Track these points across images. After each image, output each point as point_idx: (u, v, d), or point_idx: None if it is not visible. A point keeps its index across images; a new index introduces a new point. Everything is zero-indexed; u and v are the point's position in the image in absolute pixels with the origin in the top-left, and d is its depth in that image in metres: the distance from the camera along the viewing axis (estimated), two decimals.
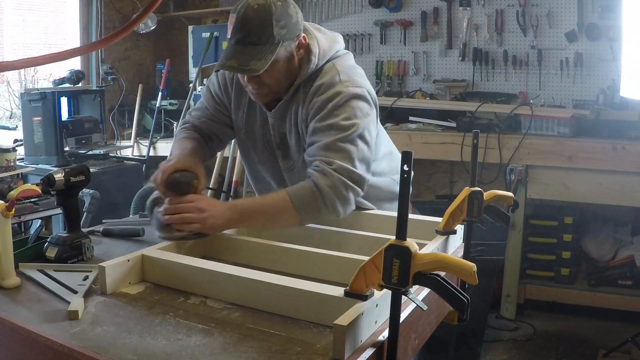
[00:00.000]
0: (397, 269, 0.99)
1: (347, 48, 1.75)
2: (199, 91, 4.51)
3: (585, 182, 3.35)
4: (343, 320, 1.00)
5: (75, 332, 1.09)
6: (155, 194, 1.56)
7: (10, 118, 4.95)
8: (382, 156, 1.77)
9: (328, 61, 1.63)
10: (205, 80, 4.62)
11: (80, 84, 3.93)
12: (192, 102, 4.49)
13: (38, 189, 2.22)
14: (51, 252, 1.47)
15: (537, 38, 3.83)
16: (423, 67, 4.18)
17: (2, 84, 4.92)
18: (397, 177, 0.99)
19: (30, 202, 2.50)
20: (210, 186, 3.72)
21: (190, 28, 4.75)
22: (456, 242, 1.60)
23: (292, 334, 1.10)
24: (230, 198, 3.71)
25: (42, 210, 2.55)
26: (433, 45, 4.14)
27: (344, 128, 1.52)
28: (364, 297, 1.04)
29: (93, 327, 1.11)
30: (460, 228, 1.55)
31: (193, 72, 4.67)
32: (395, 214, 1.01)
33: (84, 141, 3.72)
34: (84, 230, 1.60)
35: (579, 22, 3.70)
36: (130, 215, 2.94)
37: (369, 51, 4.34)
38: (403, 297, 1.01)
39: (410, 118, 3.87)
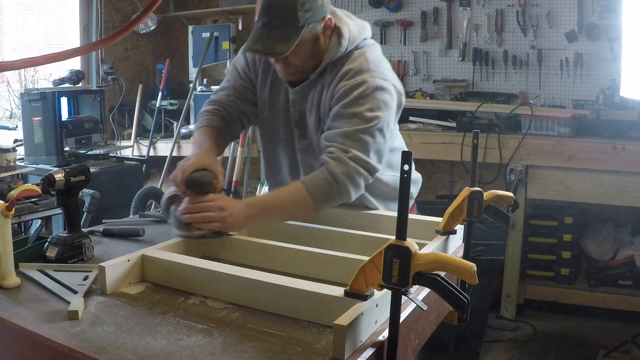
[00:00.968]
0: (397, 269, 0.99)
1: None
2: (199, 91, 4.51)
3: (585, 182, 3.35)
4: (343, 320, 1.00)
5: (75, 332, 1.09)
6: (170, 192, 1.57)
7: (10, 118, 4.96)
8: (392, 150, 1.80)
9: (357, 48, 1.67)
10: (205, 80, 4.63)
11: (80, 84, 3.93)
12: (192, 102, 4.49)
13: (38, 189, 2.22)
14: (51, 252, 1.47)
15: (537, 38, 3.83)
16: (423, 67, 4.18)
17: (2, 84, 4.92)
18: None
19: (30, 202, 2.50)
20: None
21: (190, 28, 4.76)
22: (456, 242, 1.60)
23: (292, 334, 1.10)
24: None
25: (42, 210, 2.55)
26: (433, 45, 4.14)
27: (366, 119, 1.57)
28: (364, 297, 1.04)
29: (93, 327, 1.11)
30: (460, 228, 1.56)
31: (193, 72, 4.67)
32: (395, 213, 1.01)
33: (84, 141, 3.72)
34: (84, 230, 1.60)
35: (579, 22, 3.69)
36: (130, 215, 2.94)
37: None
38: (403, 297, 1.01)
39: (410, 118, 3.87)
